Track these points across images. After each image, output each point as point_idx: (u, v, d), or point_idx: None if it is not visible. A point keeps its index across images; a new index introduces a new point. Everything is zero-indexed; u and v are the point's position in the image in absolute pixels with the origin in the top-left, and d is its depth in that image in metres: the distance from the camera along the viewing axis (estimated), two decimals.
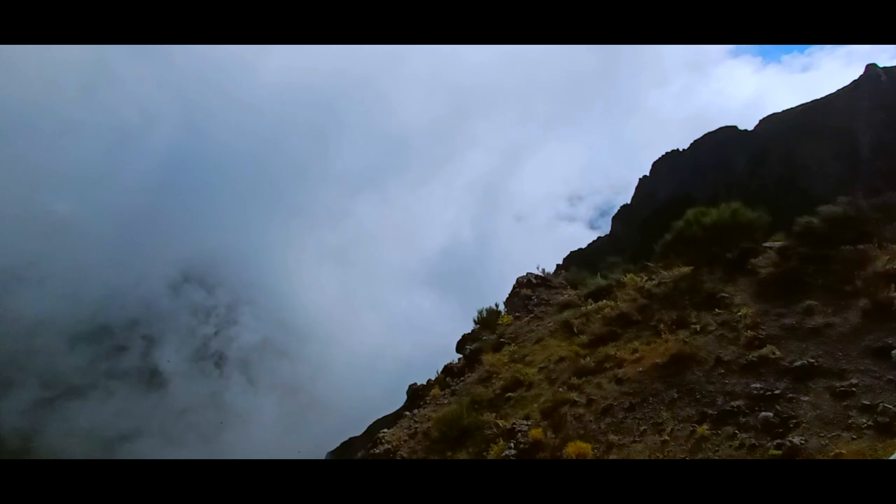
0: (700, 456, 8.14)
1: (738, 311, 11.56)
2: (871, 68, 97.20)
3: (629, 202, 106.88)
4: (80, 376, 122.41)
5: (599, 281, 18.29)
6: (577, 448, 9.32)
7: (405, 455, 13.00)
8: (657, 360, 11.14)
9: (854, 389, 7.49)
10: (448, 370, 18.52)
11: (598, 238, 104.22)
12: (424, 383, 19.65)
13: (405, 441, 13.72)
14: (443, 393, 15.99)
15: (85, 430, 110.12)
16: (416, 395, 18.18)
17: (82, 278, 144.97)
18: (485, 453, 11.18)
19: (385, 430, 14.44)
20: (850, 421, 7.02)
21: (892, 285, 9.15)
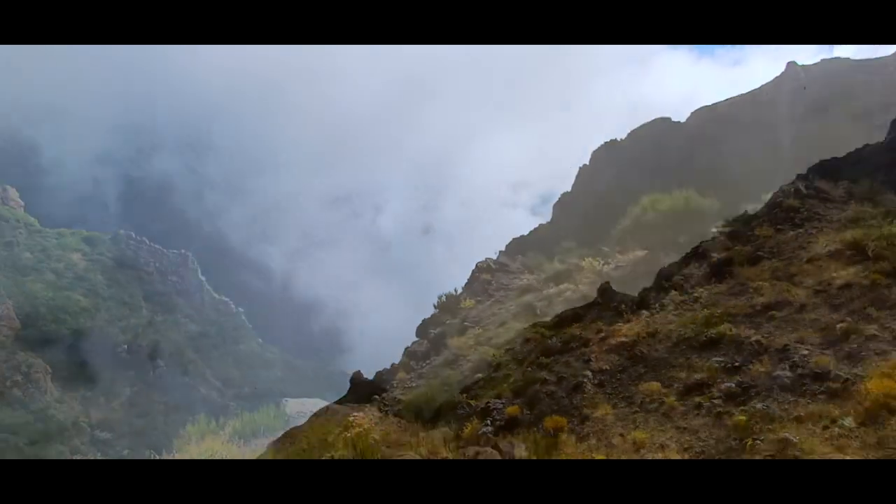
0: (670, 425, 8.75)
1: (694, 292, 12.38)
2: (791, 66, 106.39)
3: (569, 190, 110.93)
4: None
5: (557, 265, 19.05)
6: (554, 422, 9.75)
7: (377, 438, 13.11)
8: (622, 339, 11.80)
9: (806, 360, 8.27)
10: (412, 354, 18.83)
11: (540, 225, 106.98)
12: (388, 367, 19.84)
13: (376, 424, 13.83)
14: (409, 376, 16.23)
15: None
16: (381, 379, 18.35)
17: None
18: (460, 432, 11.48)
19: (355, 413, 14.47)
20: (804, 388, 7.78)
21: (833, 265, 10.12)
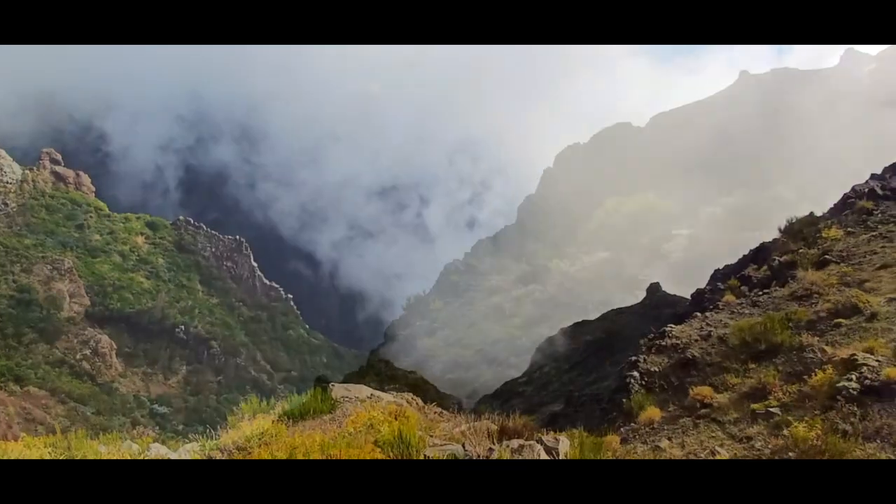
0: (722, 432, 8.48)
1: (752, 295, 11.93)
2: (743, 74, 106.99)
3: (534, 192, 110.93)
4: None
5: (525, 267, 18.72)
6: (525, 420, 9.69)
7: (422, 426, 13.35)
8: (589, 337, 11.71)
9: (876, 372, 7.83)
10: (381, 356, 18.92)
11: (506, 227, 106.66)
12: (357, 370, 20.09)
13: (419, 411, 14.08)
14: (378, 378, 16.30)
15: None
16: (354, 380, 18.43)
17: None
18: (431, 434, 11.57)
19: (399, 401, 14.76)
20: (873, 401, 7.36)
21: (791, 268, 9.68)
